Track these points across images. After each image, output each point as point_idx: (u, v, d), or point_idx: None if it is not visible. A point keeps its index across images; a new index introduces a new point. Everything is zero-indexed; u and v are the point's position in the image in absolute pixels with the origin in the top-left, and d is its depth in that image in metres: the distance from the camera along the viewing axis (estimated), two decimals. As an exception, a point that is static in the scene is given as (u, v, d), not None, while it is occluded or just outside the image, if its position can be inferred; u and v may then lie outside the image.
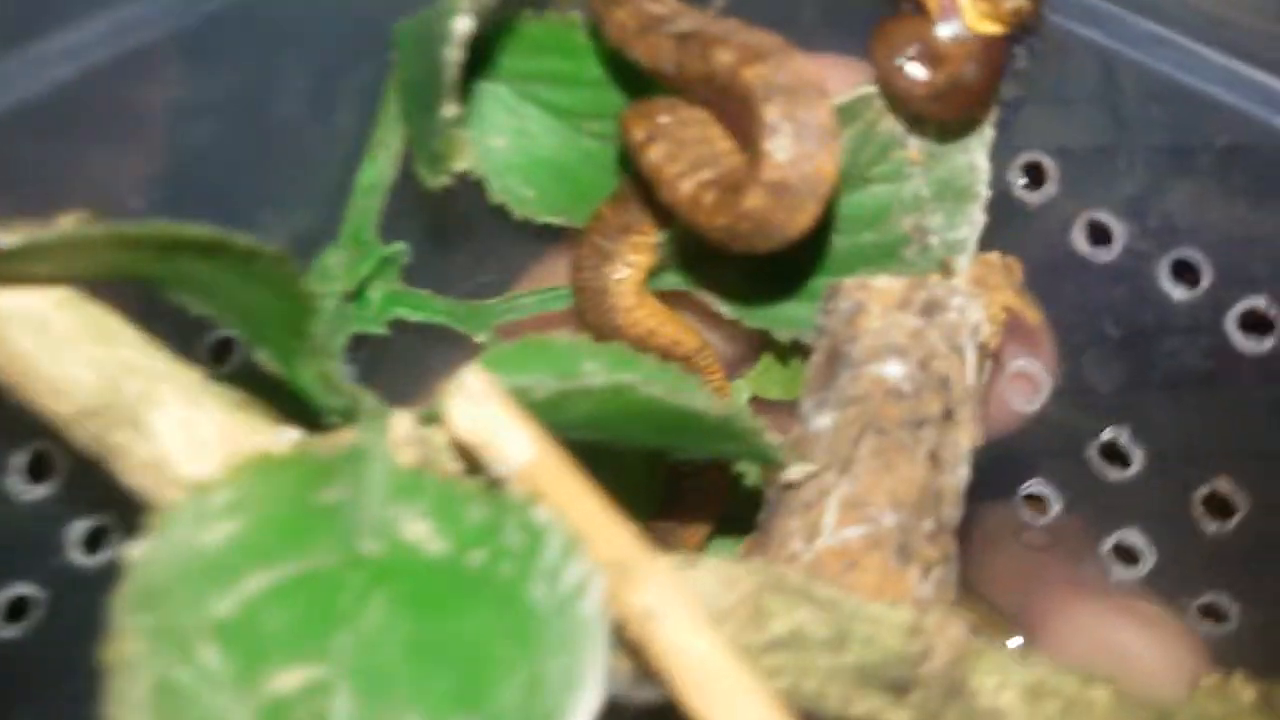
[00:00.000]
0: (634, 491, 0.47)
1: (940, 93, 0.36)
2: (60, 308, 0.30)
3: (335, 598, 0.27)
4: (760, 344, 0.48)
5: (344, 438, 0.31)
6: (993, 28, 0.36)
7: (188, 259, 0.28)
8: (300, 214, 0.42)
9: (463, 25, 0.30)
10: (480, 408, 0.29)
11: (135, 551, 0.26)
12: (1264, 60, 0.35)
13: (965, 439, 0.37)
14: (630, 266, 0.44)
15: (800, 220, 0.33)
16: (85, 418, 0.30)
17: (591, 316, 0.44)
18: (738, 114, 0.33)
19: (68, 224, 0.30)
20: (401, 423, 0.31)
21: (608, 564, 0.27)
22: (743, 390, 0.52)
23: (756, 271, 0.44)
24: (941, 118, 0.38)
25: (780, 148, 0.32)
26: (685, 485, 0.48)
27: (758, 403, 0.50)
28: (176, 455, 0.30)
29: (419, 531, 0.28)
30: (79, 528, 0.41)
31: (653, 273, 0.45)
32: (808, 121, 0.32)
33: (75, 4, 0.32)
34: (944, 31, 0.36)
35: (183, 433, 0.30)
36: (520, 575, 0.27)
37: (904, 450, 0.36)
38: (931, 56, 0.36)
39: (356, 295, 0.42)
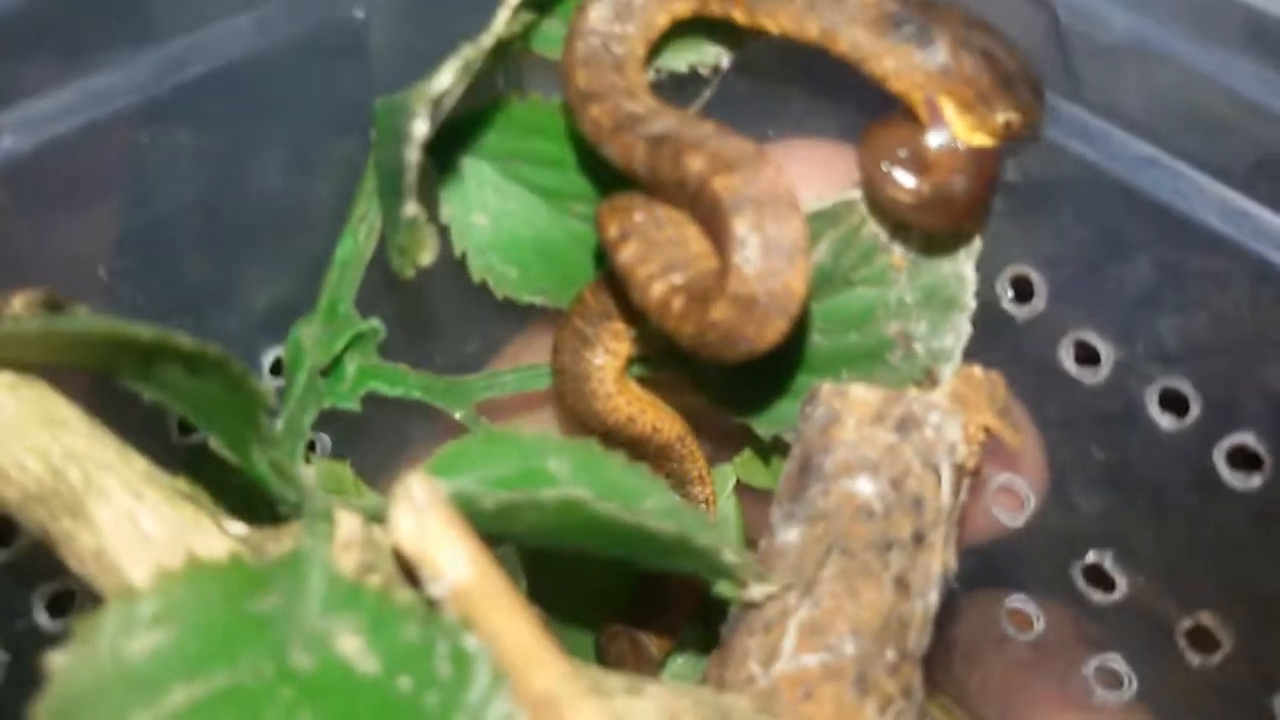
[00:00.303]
0: (598, 591, 0.46)
1: (927, 203, 0.35)
2: (10, 390, 0.30)
3: (262, 714, 0.27)
4: (745, 432, 0.47)
5: (286, 539, 0.31)
6: (985, 140, 0.35)
7: (134, 357, 0.27)
8: (277, 285, 0.41)
9: (420, 129, 0.29)
10: (422, 518, 0.28)
11: (55, 661, 0.25)
12: (1259, 191, 0.34)
13: (936, 564, 0.36)
14: (610, 353, 0.43)
15: (768, 335, 0.32)
16: (30, 504, 0.30)
17: (570, 400, 0.44)
18: (709, 221, 0.32)
19: (19, 305, 0.30)
20: (347, 523, 0.31)
21: (535, 699, 0.26)
22: (729, 476, 0.51)
23: (740, 366, 0.44)
24: (928, 228, 0.37)
25: (748, 262, 0.31)
26: (656, 588, 0.47)
27: (743, 488, 0.50)
28: (117, 547, 0.29)
29: (352, 648, 0.28)
30: (44, 591, 0.40)
31: (633, 360, 0.44)
32: (777, 236, 0.31)
33: (42, 74, 0.32)
34: (933, 140, 0.35)
35: (124, 524, 0.29)
36: (446, 707, 0.26)
37: (870, 574, 0.35)
38: (919, 164, 0.35)
39: (331, 369, 0.41)
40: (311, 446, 0.45)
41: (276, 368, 0.43)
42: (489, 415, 0.45)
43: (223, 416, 0.31)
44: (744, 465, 0.49)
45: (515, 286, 0.43)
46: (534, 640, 0.27)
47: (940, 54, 0.34)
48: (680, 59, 0.39)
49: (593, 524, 0.31)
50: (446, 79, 0.30)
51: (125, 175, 0.35)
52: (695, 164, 0.31)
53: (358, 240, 0.40)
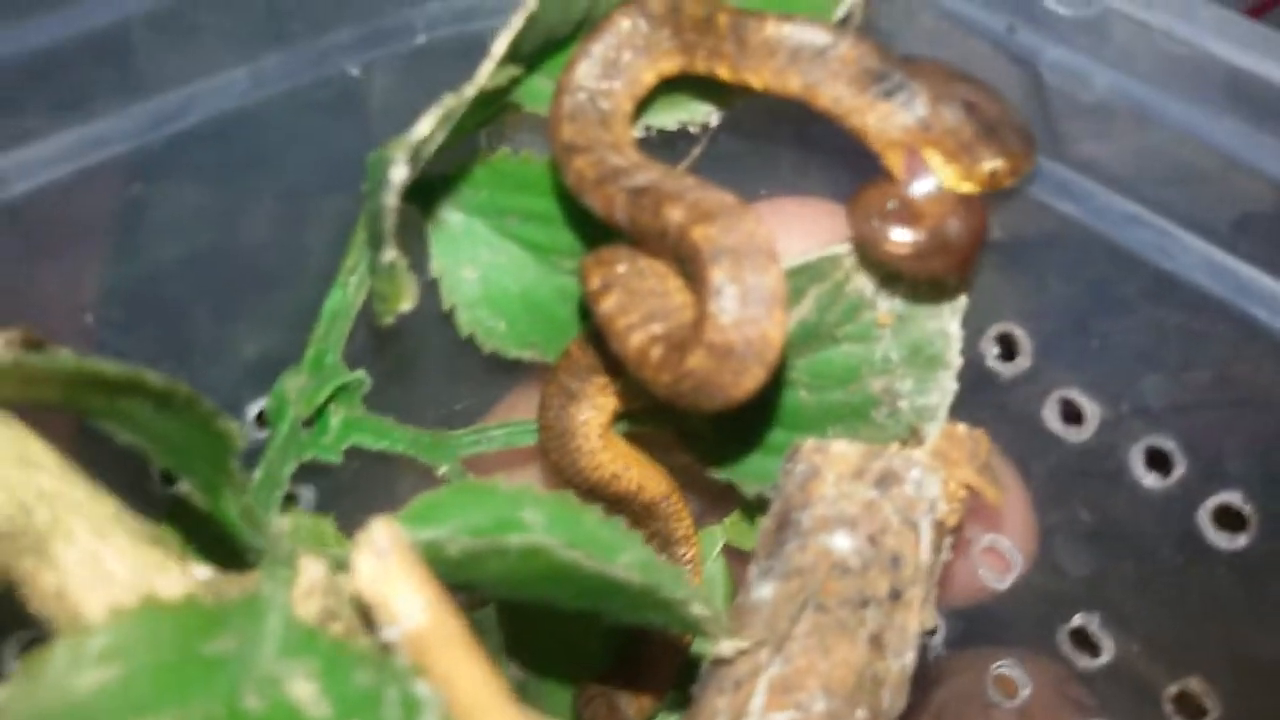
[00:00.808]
0: (578, 652, 0.46)
1: (924, 251, 0.35)
2: (-18, 427, 0.30)
3: (211, 755, 0.26)
4: (734, 493, 0.46)
5: (246, 581, 0.30)
6: (973, 189, 0.35)
7: (104, 395, 0.28)
8: (266, 336, 0.42)
9: (399, 174, 0.30)
10: (382, 562, 0.28)
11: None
12: (1243, 248, 0.34)
13: (914, 623, 0.35)
14: (596, 409, 0.43)
15: (745, 384, 0.32)
16: (-2, 541, 0.30)
17: (555, 457, 0.44)
18: (689, 272, 0.32)
19: (-3, 346, 0.30)
20: (311, 570, 0.30)
21: (486, 748, 0.26)
22: (717, 538, 0.51)
23: (726, 422, 0.43)
24: (932, 276, 0.37)
25: (724, 310, 0.31)
26: (637, 651, 0.46)
27: (733, 552, 0.49)
28: (79, 586, 0.29)
29: (304, 693, 0.27)
30: (16, 640, 0.40)
31: (620, 416, 0.44)
32: (754, 285, 0.31)
33: (36, 120, 0.33)
34: (918, 190, 0.35)
35: (87, 565, 0.29)
36: (393, 753, 0.26)
37: (844, 631, 0.34)
38: (911, 215, 0.35)
39: (315, 421, 0.42)
40: (295, 500, 0.45)
41: (264, 419, 0.43)
42: (477, 472, 0.45)
43: (193, 458, 0.31)
44: (733, 527, 0.49)
45: (503, 340, 0.43)
46: (487, 689, 0.27)
47: (920, 107, 0.34)
48: (670, 117, 0.39)
49: (559, 572, 0.31)
50: (426, 126, 0.30)
51: (116, 223, 0.36)
52: (675, 214, 0.32)
53: (347, 292, 0.40)
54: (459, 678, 0.27)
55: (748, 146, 0.41)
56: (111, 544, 0.30)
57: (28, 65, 0.32)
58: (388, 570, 0.28)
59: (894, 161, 0.35)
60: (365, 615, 0.29)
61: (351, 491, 0.46)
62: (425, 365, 0.47)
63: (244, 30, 0.36)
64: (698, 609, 0.32)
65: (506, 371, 0.48)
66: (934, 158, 0.34)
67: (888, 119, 0.34)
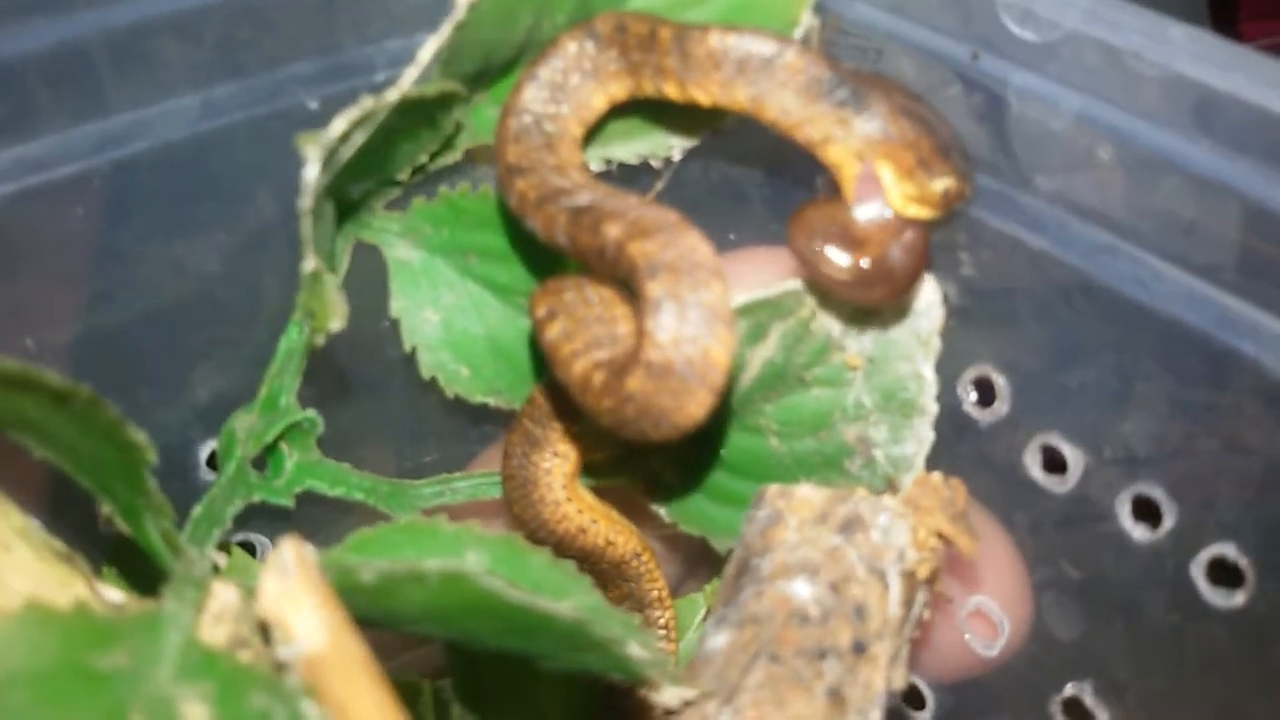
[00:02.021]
0: (552, 710, 0.43)
1: (865, 278, 0.33)
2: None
3: (90, 775, 0.24)
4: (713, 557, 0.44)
5: (149, 601, 0.29)
6: (921, 211, 0.33)
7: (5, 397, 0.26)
8: (221, 375, 0.41)
9: (310, 174, 0.29)
10: (285, 581, 0.26)
11: None
12: (1224, 278, 0.32)
13: (880, 680, 0.32)
14: (559, 456, 0.41)
15: (690, 408, 0.30)
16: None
17: (519, 509, 0.42)
18: (629, 291, 0.31)
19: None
20: (222, 595, 0.29)
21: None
22: (699, 605, 0.48)
23: (695, 473, 0.42)
24: (867, 303, 0.36)
25: (662, 327, 0.29)
26: (618, 707, 0.43)
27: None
28: (-26, 600, 0.28)
29: (196, 715, 0.25)
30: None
31: (587, 469, 0.42)
32: (695, 302, 0.29)
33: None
34: (864, 214, 0.34)
35: (-15, 578, 0.28)
36: (273, 777, 0.24)
37: (799, 684, 0.31)
38: (852, 240, 0.34)
39: (268, 463, 0.40)
40: (251, 550, 0.43)
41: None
42: (442, 526, 0.43)
43: (108, 475, 0.30)
44: (714, 593, 0.46)
45: (467, 385, 0.42)
46: (382, 716, 0.25)
47: (878, 118, 0.33)
48: (629, 149, 0.39)
49: (482, 603, 0.29)
50: (340, 126, 0.30)
51: (61, 249, 0.35)
52: (613, 231, 0.30)
53: (302, 329, 0.39)
54: (356, 704, 0.25)
55: (716, 188, 0.40)
56: (14, 556, 0.28)
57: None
58: (290, 589, 0.26)
59: (847, 176, 0.34)
60: (267, 635, 0.27)
61: (309, 542, 0.45)
62: (392, 417, 0.45)
63: (198, 58, 0.35)
64: (636, 650, 0.30)
65: (477, 423, 0.47)
66: (888, 173, 0.33)
67: (844, 129, 0.33)
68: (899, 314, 0.36)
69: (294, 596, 0.26)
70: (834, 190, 0.34)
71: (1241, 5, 1.05)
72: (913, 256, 0.33)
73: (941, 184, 0.32)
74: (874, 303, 0.35)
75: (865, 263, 0.33)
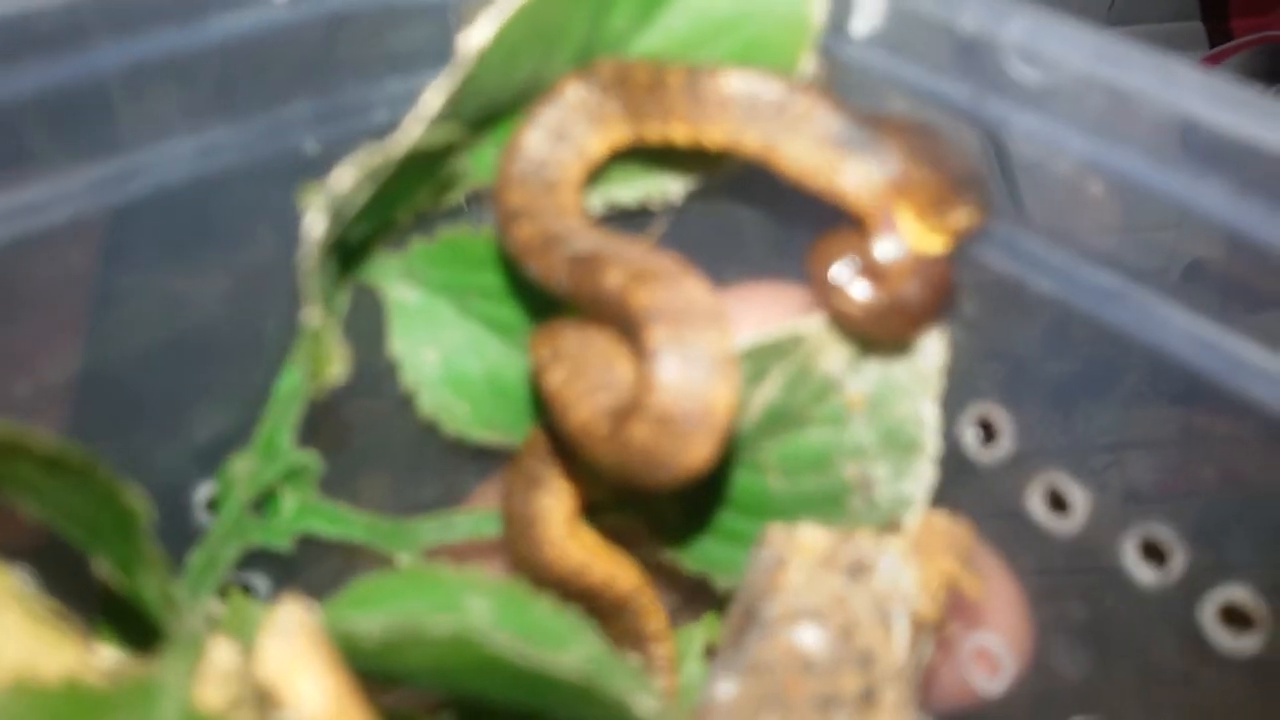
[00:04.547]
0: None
1: (881, 313, 0.33)
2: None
3: None
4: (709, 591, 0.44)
5: (149, 666, 0.28)
6: (938, 243, 0.33)
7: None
8: (219, 417, 0.40)
9: (314, 227, 0.29)
10: (286, 644, 0.26)
11: None
12: (1230, 319, 0.32)
13: (886, 725, 0.32)
14: (561, 494, 0.41)
15: (693, 454, 0.30)
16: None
17: (520, 547, 0.41)
18: (630, 338, 0.31)
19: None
20: (220, 653, 0.28)
21: None
22: (695, 637, 0.48)
23: (696, 511, 0.41)
24: (883, 338, 0.35)
25: (664, 373, 0.29)
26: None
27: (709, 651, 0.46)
28: (-33, 667, 0.27)
29: (195, 785, 0.25)
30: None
31: (590, 505, 0.42)
32: (697, 347, 0.29)
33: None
34: (883, 249, 0.33)
35: (-23, 644, 0.28)
36: None
37: (807, 733, 0.31)
38: (871, 274, 0.33)
39: (267, 506, 0.40)
40: (251, 591, 0.43)
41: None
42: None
43: (103, 534, 0.29)
44: (710, 625, 0.46)
45: (467, 423, 0.41)
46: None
47: (891, 161, 0.33)
48: (629, 193, 0.38)
49: (488, 663, 0.28)
50: (345, 180, 0.29)
51: (57, 292, 0.35)
52: (613, 277, 0.30)
53: (301, 373, 0.39)
54: (359, 772, 0.25)
55: (715, 227, 0.40)
56: (6, 619, 0.28)
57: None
58: (290, 652, 0.26)
59: (862, 217, 0.34)
60: (267, 699, 0.27)
61: (313, 585, 0.44)
62: (391, 453, 0.45)
63: (194, 100, 0.35)
64: (643, 707, 0.30)
65: (478, 460, 0.46)
66: (904, 212, 0.33)
67: (858, 174, 0.33)
68: (900, 353, 0.36)
69: (295, 660, 0.26)
70: (850, 223, 0.34)
71: (1232, 1, 1.06)
72: (931, 290, 0.32)
73: (957, 217, 0.32)
74: (892, 336, 0.34)
75: (884, 296, 0.32)
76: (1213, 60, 1.05)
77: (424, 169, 0.33)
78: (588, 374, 0.33)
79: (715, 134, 0.33)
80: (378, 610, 0.32)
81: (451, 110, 0.31)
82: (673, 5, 0.34)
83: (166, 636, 0.30)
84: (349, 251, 0.37)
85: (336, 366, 0.32)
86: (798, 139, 0.33)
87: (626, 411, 0.31)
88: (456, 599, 0.33)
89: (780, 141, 0.33)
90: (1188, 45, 1.06)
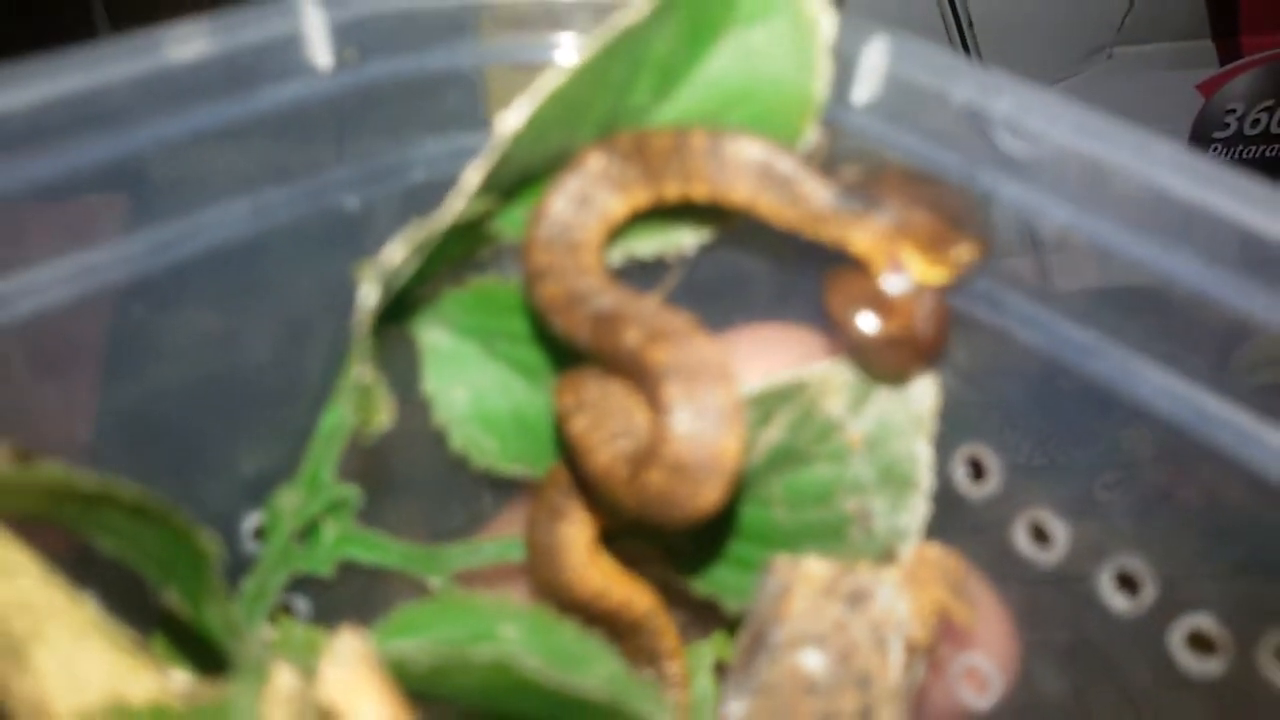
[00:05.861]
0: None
1: (895, 343, 0.37)
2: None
3: None
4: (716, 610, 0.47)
5: (220, 689, 0.31)
6: (943, 277, 0.36)
7: (81, 506, 0.29)
8: (263, 453, 0.43)
9: (367, 298, 0.32)
10: (347, 673, 0.29)
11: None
12: (1206, 378, 0.35)
13: (883, 742, 0.35)
14: (582, 525, 0.44)
15: (705, 498, 0.33)
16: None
17: (542, 573, 0.44)
18: (647, 392, 0.34)
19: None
20: (282, 677, 0.31)
21: None
22: (705, 654, 0.51)
23: (707, 539, 0.44)
24: (897, 367, 0.38)
25: (678, 425, 0.32)
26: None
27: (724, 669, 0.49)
28: (53, 693, 0.30)
29: (268, 800, 0.28)
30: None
31: (608, 533, 0.45)
32: (708, 401, 0.32)
33: (37, 247, 0.35)
34: (892, 285, 0.37)
35: (64, 671, 0.31)
36: None
37: (811, 750, 0.34)
38: (882, 307, 0.37)
39: (309, 535, 0.43)
40: (292, 611, 0.46)
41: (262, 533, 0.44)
42: (469, 586, 0.46)
43: (174, 570, 0.32)
44: (719, 643, 0.49)
45: (494, 457, 0.44)
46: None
47: (892, 211, 0.36)
48: (648, 246, 0.41)
49: (526, 686, 0.32)
50: (398, 255, 0.32)
51: (118, 345, 0.38)
52: (631, 336, 0.33)
53: (341, 412, 0.42)
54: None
55: (724, 276, 0.43)
56: (88, 649, 0.31)
57: (33, 193, 0.35)
58: (352, 680, 0.29)
59: (870, 261, 0.37)
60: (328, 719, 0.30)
61: (348, 603, 0.47)
62: (421, 482, 0.48)
63: (247, 166, 0.38)
64: (664, 725, 0.33)
65: (498, 488, 0.49)
66: (909, 252, 0.36)
67: (862, 228, 0.36)
68: (897, 397, 0.39)
69: (356, 685, 0.29)
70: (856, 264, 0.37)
71: (1242, 18, 1.07)
72: (936, 322, 0.36)
73: (958, 252, 0.35)
74: (903, 367, 0.37)
75: (894, 328, 0.36)
76: (1223, 78, 1.07)
77: (461, 235, 0.36)
78: (608, 422, 0.36)
79: (734, 195, 0.36)
80: (419, 636, 0.35)
81: (488, 184, 0.34)
82: (688, 81, 0.38)
83: (232, 662, 0.33)
84: (389, 305, 0.40)
85: (384, 415, 0.35)
86: (803, 208, 0.36)
87: (643, 458, 0.34)
88: (490, 625, 0.36)
89: (786, 205, 0.36)
90: (1198, 63, 1.07)
